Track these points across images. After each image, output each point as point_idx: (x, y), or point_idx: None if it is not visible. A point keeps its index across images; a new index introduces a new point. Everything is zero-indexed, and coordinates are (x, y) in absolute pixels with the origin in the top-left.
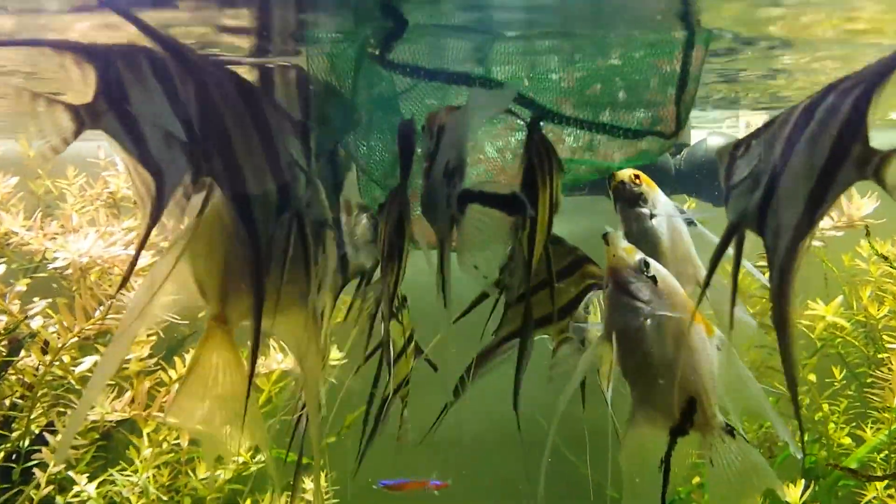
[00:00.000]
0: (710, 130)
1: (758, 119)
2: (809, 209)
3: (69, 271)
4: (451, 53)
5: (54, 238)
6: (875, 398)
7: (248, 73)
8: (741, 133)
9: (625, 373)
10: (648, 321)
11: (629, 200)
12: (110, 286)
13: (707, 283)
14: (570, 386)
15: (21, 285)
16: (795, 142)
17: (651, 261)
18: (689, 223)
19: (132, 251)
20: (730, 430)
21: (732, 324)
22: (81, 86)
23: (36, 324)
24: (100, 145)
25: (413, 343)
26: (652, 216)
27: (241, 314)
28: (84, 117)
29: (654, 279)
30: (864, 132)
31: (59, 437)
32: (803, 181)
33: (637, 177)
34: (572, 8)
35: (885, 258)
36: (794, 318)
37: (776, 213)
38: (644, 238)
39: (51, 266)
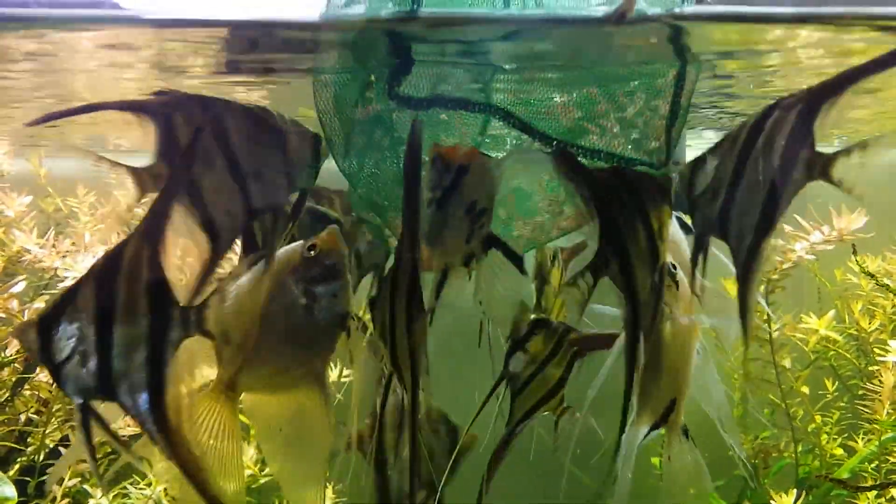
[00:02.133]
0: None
1: None
2: (768, 211)
3: None
4: (452, 84)
5: (65, 256)
6: (866, 410)
7: None
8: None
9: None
10: (666, 323)
11: None
12: None
13: (693, 287)
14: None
15: (39, 302)
16: (748, 154)
17: (677, 265)
18: (690, 232)
19: None
20: (685, 431)
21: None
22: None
23: None
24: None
25: None
26: None
27: (248, 385)
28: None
29: (677, 284)
30: (812, 140)
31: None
32: (759, 188)
33: None
34: (568, 43)
35: (872, 276)
36: (753, 307)
37: (737, 219)
38: None
39: (61, 285)
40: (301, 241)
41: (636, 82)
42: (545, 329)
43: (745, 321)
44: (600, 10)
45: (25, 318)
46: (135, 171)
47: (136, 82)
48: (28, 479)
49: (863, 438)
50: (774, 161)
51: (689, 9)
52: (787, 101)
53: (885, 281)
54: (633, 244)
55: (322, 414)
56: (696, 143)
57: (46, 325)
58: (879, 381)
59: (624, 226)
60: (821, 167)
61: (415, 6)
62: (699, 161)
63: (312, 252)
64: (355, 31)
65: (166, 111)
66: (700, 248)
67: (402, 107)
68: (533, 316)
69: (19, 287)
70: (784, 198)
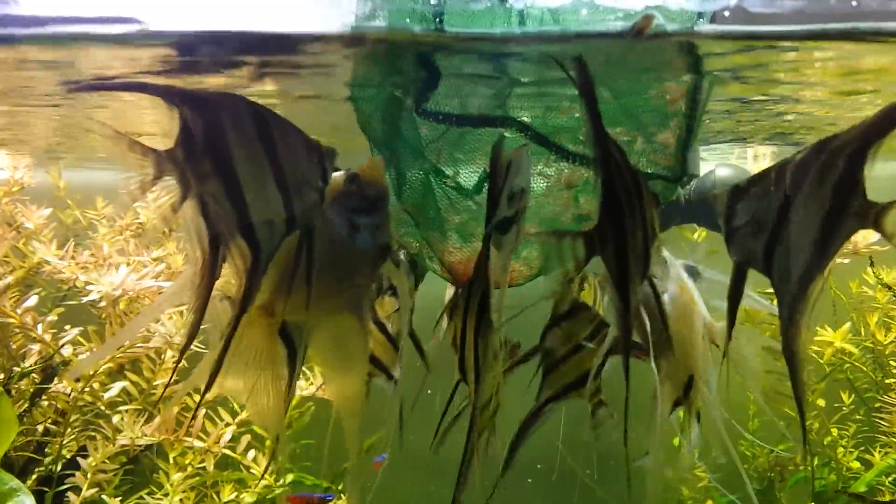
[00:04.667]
0: (718, 162)
1: (765, 150)
2: (816, 256)
3: (102, 303)
4: (474, 99)
5: (85, 268)
6: (883, 423)
7: None
8: (749, 164)
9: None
10: (663, 295)
11: None
12: (135, 314)
13: (731, 322)
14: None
15: (53, 315)
16: (794, 195)
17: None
18: (696, 275)
19: (162, 282)
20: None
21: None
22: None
23: (67, 352)
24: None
25: None
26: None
27: (288, 310)
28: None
29: (665, 261)
30: (861, 187)
31: (90, 459)
32: (806, 231)
33: None
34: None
35: (890, 288)
36: (804, 351)
37: (782, 258)
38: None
39: (85, 299)
40: (343, 171)
41: (652, 96)
42: (584, 312)
43: (792, 364)
44: (618, 26)
45: None
46: (155, 153)
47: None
48: (46, 489)
49: (880, 451)
50: (824, 205)
51: (706, 27)
52: (835, 143)
53: None
54: (632, 234)
55: (359, 341)
56: (710, 156)
57: None
58: None
59: (627, 208)
60: (874, 217)
61: (438, 26)
62: (739, 190)
63: (354, 183)
64: (380, 46)
65: (198, 103)
66: (739, 279)
67: (429, 122)
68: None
69: (32, 301)
70: (833, 244)
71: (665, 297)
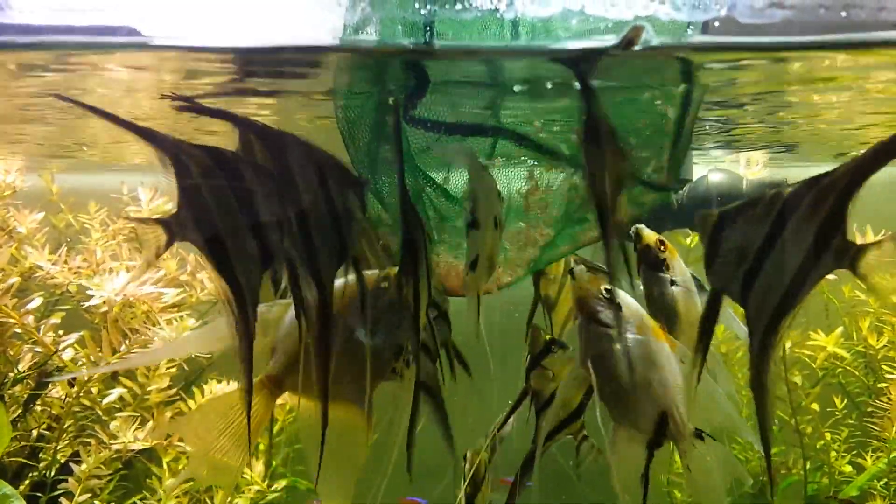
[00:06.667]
0: (711, 167)
1: (758, 156)
2: (791, 291)
3: (104, 309)
4: (465, 107)
5: (78, 272)
6: (875, 427)
7: None
8: (742, 169)
9: (602, 396)
10: (617, 345)
11: (653, 265)
12: (132, 319)
13: (702, 345)
14: (552, 410)
15: (56, 318)
16: (780, 229)
17: (615, 289)
18: (702, 289)
19: (162, 289)
20: (698, 435)
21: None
22: None
23: (67, 356)
24: (123, 181)
25: None
26: (673, 283)
27: (293, 386)
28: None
29: (618, 306)
30: (844, 226)
31: (83, 466)
32: (787, 266)
33: (662, 242)
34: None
35: None
36: (771, 384)
37: (760, 289)
38: (663, 302)
39: (86, 304)
40: (377, 270)
41: (644, 105)
42: (562, 350)
43: (760, 396)
44: (609, 38)
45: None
46: (163, 222)
47: (149, 102)
48: (39, 494)
49: (872, 456)
50: (807, 241)
51: (697, 38)
52: (826, 180)
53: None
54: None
55: (359, 434)
56: (703, 161)
57: None
58: (888, 398)
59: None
60: (851, 257)
61: (428, 38)
62: (727, 218)
63: (386, 283)
64: (370, 56)
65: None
66: (714, 306)
67: (418, 129)
68: (548, 336)
69: (35, 303)
70: (810, 281)
71: (619, 347)
